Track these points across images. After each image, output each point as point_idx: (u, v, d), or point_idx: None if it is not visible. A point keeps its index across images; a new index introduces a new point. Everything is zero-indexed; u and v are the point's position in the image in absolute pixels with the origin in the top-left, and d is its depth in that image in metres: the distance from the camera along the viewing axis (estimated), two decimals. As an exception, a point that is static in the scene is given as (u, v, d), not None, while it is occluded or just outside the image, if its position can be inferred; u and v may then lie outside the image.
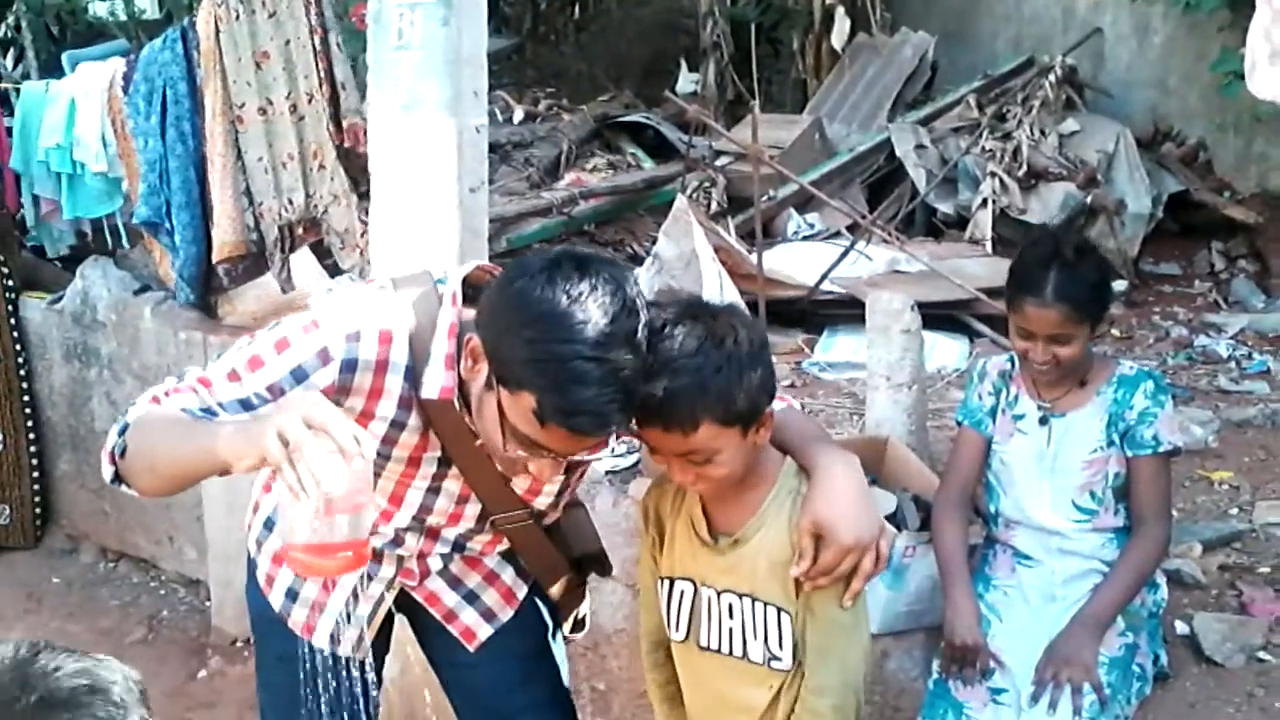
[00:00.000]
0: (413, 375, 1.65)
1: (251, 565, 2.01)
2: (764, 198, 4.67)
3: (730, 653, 1.80)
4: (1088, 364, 2.35)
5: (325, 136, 3.79)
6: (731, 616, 1.79)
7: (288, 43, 3.75)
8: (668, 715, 2.00)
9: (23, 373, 4.40)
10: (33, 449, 4.42)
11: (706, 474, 1.69)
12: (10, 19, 6.24)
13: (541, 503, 1.85)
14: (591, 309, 1.46)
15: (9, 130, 4.62)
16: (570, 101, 7.11)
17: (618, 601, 2.92)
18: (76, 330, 4.32)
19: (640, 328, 1.50)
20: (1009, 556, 2.45)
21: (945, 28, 7.00)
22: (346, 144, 3.84)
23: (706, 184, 5.62)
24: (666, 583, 1.86)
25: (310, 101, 3.78)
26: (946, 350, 4.08)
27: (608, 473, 2.99)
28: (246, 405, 1.61)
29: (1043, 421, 2.38)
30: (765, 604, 1.75)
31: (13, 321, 4.37)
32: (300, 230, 3.86)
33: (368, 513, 1.41)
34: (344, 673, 1.92)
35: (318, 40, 3.75)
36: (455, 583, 1.97)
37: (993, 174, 5.32)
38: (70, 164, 4.22)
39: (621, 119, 6.46)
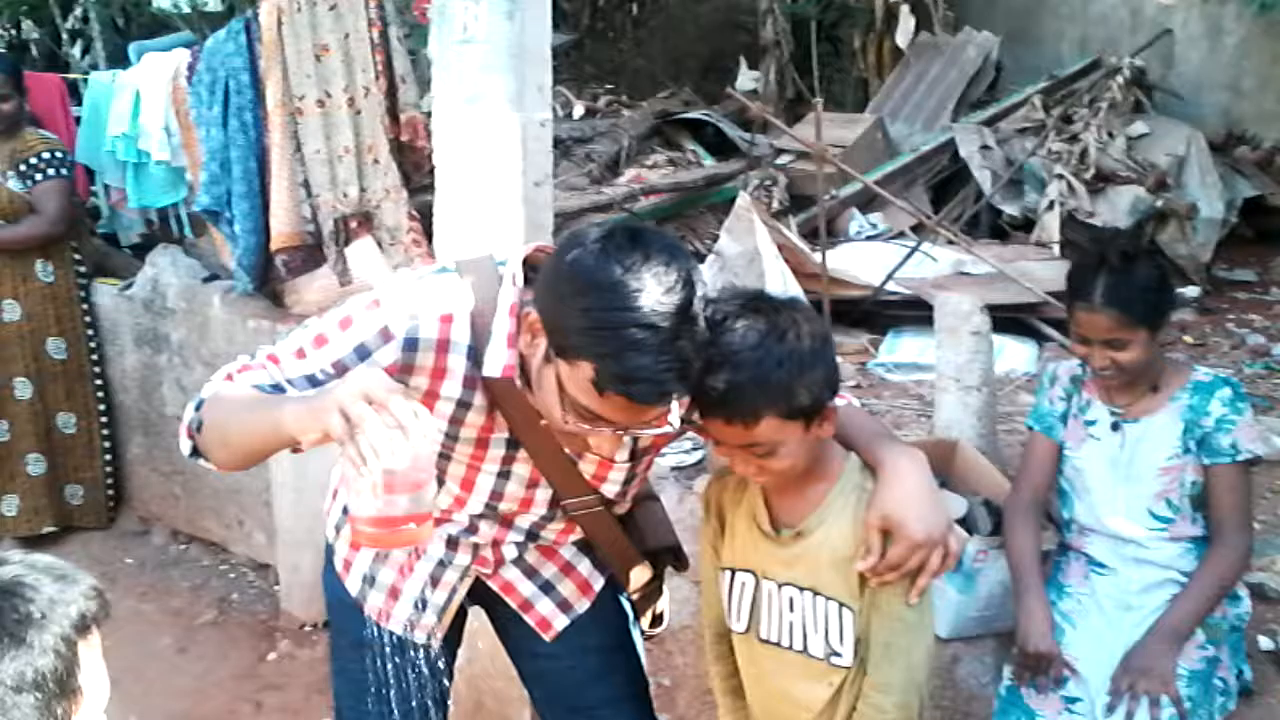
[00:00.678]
0: (475, 354, 1.66)
1: (329, 551, 2.04)
2: (826, 197, 4.65)
3: (790, 646, 1.80)
4: (1159, 369, 2.32)
5: (380, 131, 3.83)
6: (792, 610, 1.79)
7: (347, 36, 3.79)
8: (731, 708, 2.00)
9: (95, 357, 4.49)
10: (105, 432, 4.50)
11: (768, 467, 1.70)
12: (78, 11, 6.37)
13: (609, 490, 1.86)
14: (646, 278, 1.47)
15: (78, 120, 4.73)
16: (629, 98, 7.11)
17: (683, 597, 2.92)
18: (147, 316, 4.40)
19: (696, 298, 1.50)
20: (1082, 564, 2.42)
21: (1009, 27, 6.93)
22: (404, 137, 3.88)
23: (768, 182, 5.61)
24: (728, 574, 1.87)
25: (366, 95, 3.82)
26: (1015, 354, 4.04)
27: (673, 469, 2.99)
28: (313, 381, 1.65)
29: (1115, 427, 2.35)
30: (827, 599, 1.75)
31: (85, 307, 4.45)
32: (354, 224, 3.90)
33: (429, 489, 1.43)
34: (416, 660, 1.94)
35: (376, 34, 3.78)
36: (531, 572, 1.98)
37: (1059, 176, 5.25)
38: (136, 153, 4.32)
39: (682, 116, 6.46)
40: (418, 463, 1.39)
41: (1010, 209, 5.49)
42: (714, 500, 1.93)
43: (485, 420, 1.73)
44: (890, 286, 4.44)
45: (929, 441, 2.89)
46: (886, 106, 6.63)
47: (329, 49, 3.78)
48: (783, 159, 5.88)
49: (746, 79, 7.59)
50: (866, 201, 5.53)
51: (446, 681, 2.01)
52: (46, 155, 4.24)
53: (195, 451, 1.69)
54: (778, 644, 1.82)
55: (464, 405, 1.71)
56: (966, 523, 2.55)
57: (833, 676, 1.77)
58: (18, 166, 4.22)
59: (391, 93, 3.85)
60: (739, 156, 5.98)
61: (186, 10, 6.01)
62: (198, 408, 1.67)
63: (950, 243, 4.95)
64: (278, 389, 1.65)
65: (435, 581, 1.94)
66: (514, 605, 1.99)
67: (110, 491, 4.54)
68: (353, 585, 1.99)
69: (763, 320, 1.65)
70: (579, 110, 6.68)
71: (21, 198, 4.24)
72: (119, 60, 5.46)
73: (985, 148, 5.69)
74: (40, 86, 4.69)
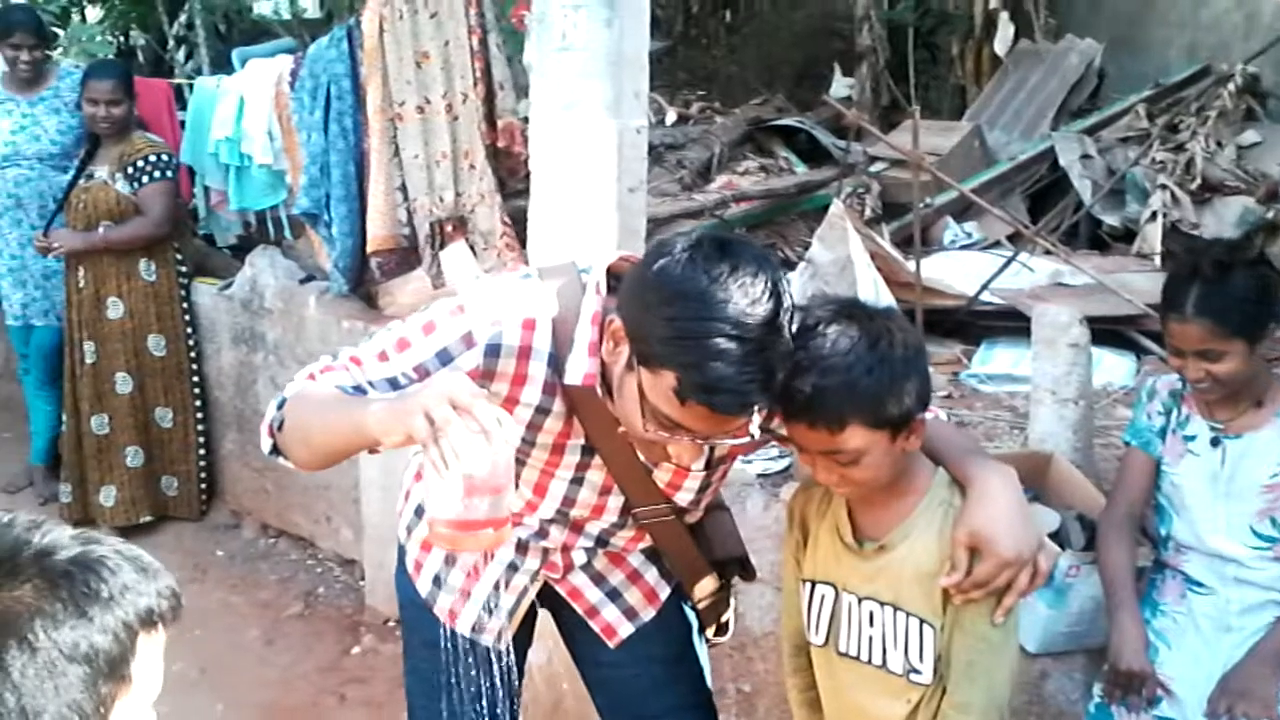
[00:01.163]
0: (556, 362, 1.67)
1: (401, 551, 2.06)
2: (921, 205, 4.57)
3: (869, 661, 1.78)
4: (1263, 384, 2.25)
5: (477, 136, 3.86)
6: (872, 624, 1.76)
7: (447, 43, 3.83)
8: (807, 720, 1.97)
9: (193, 355, 4.61)
10: (200, 427, 4.62)
11: (851, 476, 1.67)
12: (183, 17, 6.56)
13: (683, 499, 1.85)
14: (732, 288, 1.46)
15: (183, 124, 4.87)
16: (722, 104, 7.09)
17: (766, 604, 2.90)
18: (245, 316, 4.51)
19: (783, 310, 1.49)
20: (1179, 582, 2.34)
21: (1114, 34, 6.74)
22: (501, 143, 3.91)
23: (861, 190, 5.54)
24: (808, 586, 1.85)
25: (465, 101, 3.86)
26: (1113, 366, 3.93)
27: (759, 476, 2.97)
28: (394, 384, 1.66)
29: (1215, 443, 2.27)
30: (908, 614, 1.72)
31: (185, 306, 4.58)
32: (449, 228, 3.94)
33: (508, 494, 1.43)
34: (485, 662, 1.95)
35: (475, 41, 3.82)
36: (598, 579, 1.98)
37: (1163, 186, 5.09)
38: (238, 156, 4.42)
39: (774, 122, 6.42)
40: (498, 468, 1.39)
41: (1111, 219, 5.34)
42: (798, 511, 1.91)
43: (562, 427, 1.74)
44: (985, 296, 4.36)
45: (1022, 454, 2.83)
46: (984, 114, 6.51)
47: (429, 56, 3.83)
48: (876, 166, 5.81)
49: (841, 86, 7.52)
50: (961, 210, 5.43)
51: (517, 682, 2.02)
52: (153, 158, 4.37)
53: (275, 449, 1.71)
54: (856, 658, 1.79)
55: (542, 411, 1.71)
56: (1059, 537, 2.50)
57: (911, 694, 1.74)
58: (125, 169, 4.36)
59: (489, 99, 3.88)
60: (831, 164, 5.91)
61: (286, 17, 6.16)
62: (280, 406, 1.69)
63: (1048, 253, 4.84)
64: (359, 390, 1.67)
65: (504, 585, 1.95)
66: (580, 611, 2.00)
67: (204, 485, 4.67)
68: (423, 586, 2.00)
69: (855, 327, 1.63)
70: (671, 116, 6.67)
71: (128, 199, 4.37)
72: (222, 65, 5.60)
73: (1086, 157, 5.55)
74: (148, 91, 4.84)
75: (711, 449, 1.78)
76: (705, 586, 2.00)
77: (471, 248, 3.99)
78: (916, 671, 1.72)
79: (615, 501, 1.85)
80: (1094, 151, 5.59)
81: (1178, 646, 2.28)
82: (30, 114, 4.58)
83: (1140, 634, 2.26)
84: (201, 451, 4.64)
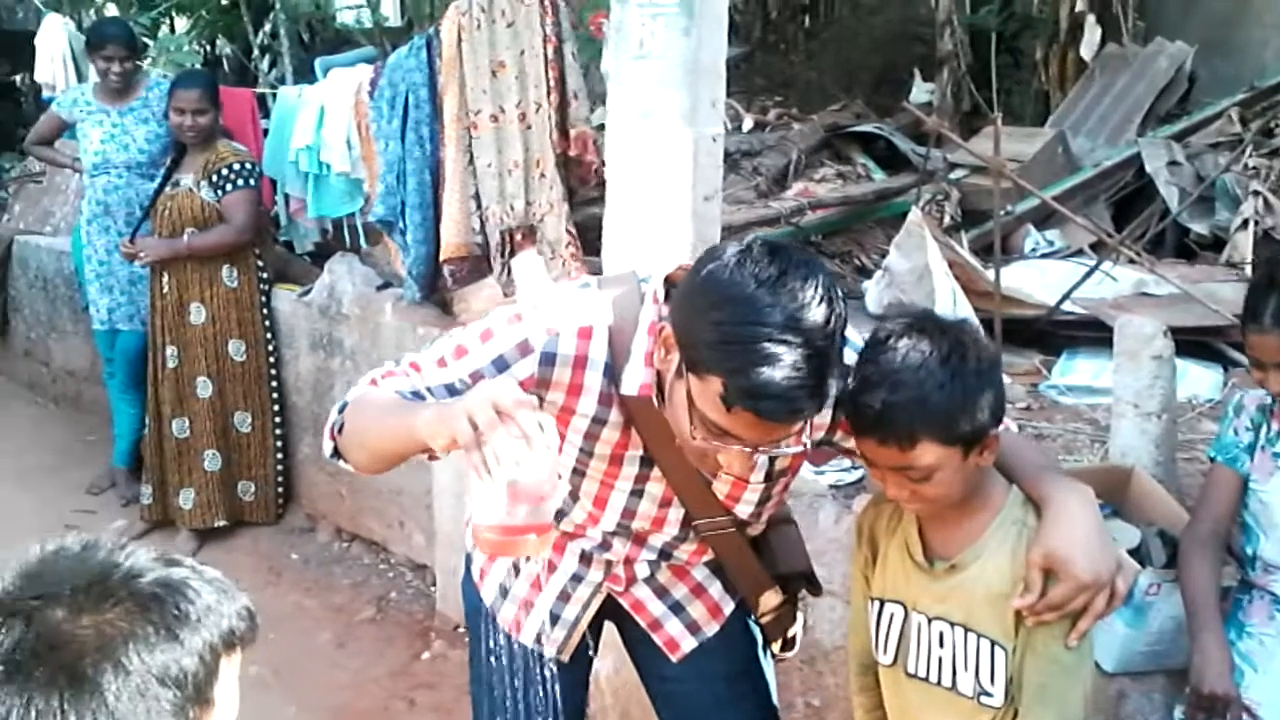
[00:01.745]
0: (612, 372, 1.66)
1: (468, 559, 2.07)
2: (1002, 212, 4.48)
3: (938, 682, 1.74)
4: None
5: (548, 145, 3.87)
6: (942, 645, 1.73)
7: (522, 53, 3.85)
8: (874, 740, 1.94)
9: (272, 360, 4.69)
10: (278, 431, 4.70)
11: (921, 492, 1.64)
12: (267, 27, 6.69)
13: (743, 510, 1.83)
14: (781, 294, 1.44)
15: (265, 132, 4.96)
16: (799, 110, 7.04)
17: (837, 618, 2.86)
18: (323, 322, 4.57)
19: (834, 316, 1.46)
20: (1267, 603, 2.26)
21: (1206, 37, 6.55)
22: (573, 152, 3.91)
23: (939, 197, 5.46)
24: (876, 604, 1.82)
25: (538, 111, 3.87)
26: (1199, 379, 3.81)
27: (832, 487, 2.93)
28: (451, 390, 1.66)
29: (1306, 460, 2.19)
30: (979, 635, 1.68)
31: (265, 311, 4.65)
32: (519, 236, 3.95)
33: (551, 501, 1.43)
34: (547, 673, 1.95)
35: (551, 50, 3.83)
36: (662, 592, 1.97)
37: (1256, 193, 4.93)
38: (317, 165, 4.49)
39: (852, 129, 6.35)
40: (540, 474, 1.40)
41: (1199, 227, 5.18)
42: (867, 528, 1.88)
43: (620, 437, 1.73)
44: (1066, 306, 4.26)
45: (1101, 468, 2.76)
46: (1068, 120, 6.37)
47: (505, 65, 3.85)
48: (956, 173, 5.71)
49: (921, 91, 7.42)
50: (1043, 218, 5.32)
51: (582, 695, 2.01)
52: (237, 166, 4.45)
53: (336, 452, 1.74)
54: (925, 679, 1.76)
55: (599, 422, 1.70)
56: (1139, 553, 2.42)
57: (981, 716, 1.70)
58: (210, 177, 4.44)
59: (563, 108, 3.89)
60: (910, 171, 5.83)
61: (368, 26, 6.24)
62: (341, 410, 1.71)
63: (1132, 262, 4.71)
64: (418, 396, 1.68)
65: (568, 597, 1.95)
66: (643, 624, 1.98)
67: (280, 489, 4.73)
68: (487, 595, 2.01)
69: (927, 341, 1.60)
70: (748, 123, 6.63)
71: (213, 206, 4.46)
72: (305, 74, 5.70)
73: (1174, 163, 5.40)
74: (232, 100, 4.94)
75: (771, 461, 1.75)
76: (768, 601, 1.98)
77: (540, 256, 4.00)
78: (987, 694, 1.69)
79: (675, 514, 1.84)
80: (1182, 158, 5.44)
81: (1265, 670, 2.20)
82: (120, 123, 4.70)
83: (1225, 656, 2.18)
84: (278, 456, 4.71)
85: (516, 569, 1.95)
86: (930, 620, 1.73)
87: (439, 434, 1.46)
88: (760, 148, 6.14)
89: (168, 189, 4.51)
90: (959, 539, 1.70)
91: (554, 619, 1.95)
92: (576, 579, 1.94)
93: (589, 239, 3.82)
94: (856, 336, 1.72)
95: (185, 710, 1.07)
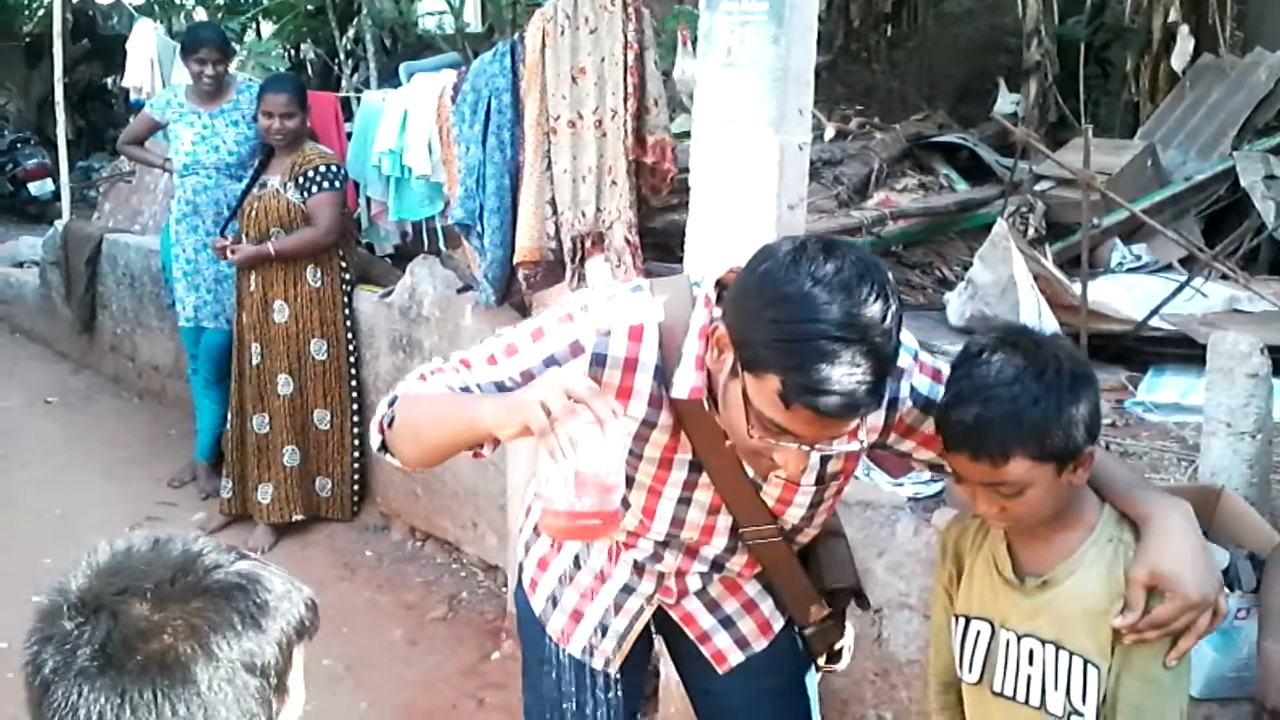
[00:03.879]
0: (662, 375, 1.66)
1: (520, 568, 2.08)
2: (1090, 225, 4.39)
3: (1026, 701, 1.70)
4: None
5: (621, 153, 3.86)
6: (1031, 663, 1.69)
7: (603, 59, 3.84)
8: (955, 761, 1.90)
9: (353, 359, 4.75)
10: (355, 430, 4.74)
11: (1013, 508, 1.62)
12: (352, 32, 6.80)
13: (793, 515, 1.82)
14: (837, 290, 1.43)
15: (349, 135, 5.03)
16: (881, 120, 6.97)
17: (913, 631, 2.82)
18: (403, 323, 4.62)
19: (890, 312, 1.44)
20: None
21: (1308, 47, 6.37)
22: (649, 159, 3.90)
23: (1024, 209, 5.36)
24: (961, 621, 1.79)
25: (613, 118, 3.87)
26: (1294, 400, 3.70)
27: (910, 500, 2.89)
28: (500, 388, 1.67)
29: None
30: (1071, 653, 1.64)
31: (347, 312, 4.71)
32: (589, 243, 3.96)
33: (619, 489, 1.45)
34: (595, 684, 1.95)
35: (632, 56, 3.82)
36: (713, 605, 1.97)
37: (1356, 209, 4.79)
38: (399, 168, 4.54)
39: (935, 139, 6.28)
40: (610, 460, 1.42)
41: (1296, 244, 5.05)
42: (951, 544, 1.85)
43: (669, 440, 1.72)
44: (1154, 322, 4.16)
45: (1189, 488, 2.69)
46: (1159, 132, 6.23)
47: (585, 71, 3.85)
48: (1041, 185, 5.62)
49: (1006, 102, 7.30)
50: (1130, 231, 5.21)
51: (630, 708, 2.01)
52: (323, 169, 4.52)
53: (384, 446, 1.74)
54: (1013, 698, 1.72)
55: (649, 424, 1.70)
56: (1228, 576, 2.35)
57: (1070, 736, 1.66)
58: (297, 179, 4.51)
59: (640, 114, 3.88)
60: (993, 182, 5.75)
61: (450, 31, 6.31)
62: (391, 404, 1.71)
63: (1224, 277, 4.59)
64: (466, 391, 1.68)
65: (618, 608, 1.94)
66: (692, 636, 1.98)
67: (356, 486, 4.78)
68: (537, 604, 2.01)
69: (1021, 355, 1.58)
70: (830, 132, 6.58)
71: (298, 207, 4.52)
72: (388, 79, 5.78)
73: (1271, 177, 5.26)
74: (317, 104, 5.01)
75: (824, 463, 1.74)
76: (812, 614, 1.96)
77: (606, 263, 4.01)
78: (1079, 714, 1.65)
79: (724, 521, 1.83)
80: (1279, 172, 5.30)
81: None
82: (210, 125, 4.80)
83: None
84: (356, 454, 4.76)
85: (569, 578, 1.95)
86: (1019, 638, 1.70)
87: (508, 423, 1.46)
88: (841, 157, 6.09)
89: (255, 190, 4.59)
90: (1051, 555, 1.67)
91: (603, 630, 1.95)
92: (628, 590, 1.93)
93: (670, 246, 3.81)
94: (911, 339, 1.71)
95: (268, 698, 1.09)
